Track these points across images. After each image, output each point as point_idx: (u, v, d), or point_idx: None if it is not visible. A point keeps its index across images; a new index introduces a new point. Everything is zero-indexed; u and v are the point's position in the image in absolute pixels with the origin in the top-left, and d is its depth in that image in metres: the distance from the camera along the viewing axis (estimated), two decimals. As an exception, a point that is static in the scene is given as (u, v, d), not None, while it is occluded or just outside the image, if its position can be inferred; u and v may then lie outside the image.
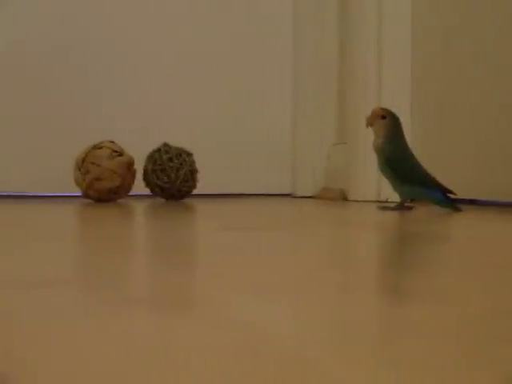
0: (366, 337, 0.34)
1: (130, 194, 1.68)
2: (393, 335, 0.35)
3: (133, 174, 1.65)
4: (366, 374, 0.28)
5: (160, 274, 0.54)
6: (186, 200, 1.71)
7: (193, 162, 1.70)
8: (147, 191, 1.72)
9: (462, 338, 0.34)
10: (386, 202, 1.61)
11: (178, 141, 1.72)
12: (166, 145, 1.69)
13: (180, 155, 1.68)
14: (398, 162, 1.30)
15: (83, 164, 1.62)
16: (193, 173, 1.70)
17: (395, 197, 1.39)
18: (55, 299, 0.44)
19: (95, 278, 0.53)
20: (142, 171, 1.69)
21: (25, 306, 0.41)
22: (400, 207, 1.31)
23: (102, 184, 1.61)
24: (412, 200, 1.39)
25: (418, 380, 0.27)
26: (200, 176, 1.72)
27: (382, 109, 1.34)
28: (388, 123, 1.29)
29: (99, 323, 0.37)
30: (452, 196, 1.28)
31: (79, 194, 1.66)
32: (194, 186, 1.71)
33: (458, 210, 1.26)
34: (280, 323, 0.37)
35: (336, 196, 1.81)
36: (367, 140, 1.41)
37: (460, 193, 1.33)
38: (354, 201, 1.71)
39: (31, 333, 0.35)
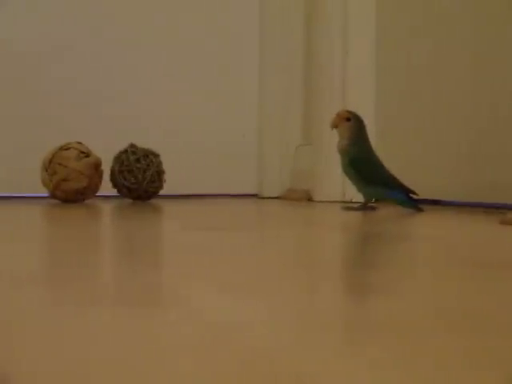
0: (334, 334, 0.36)
1: (97, 194, 1.69)
2: (359, 331, 0.37)
3: (100, 174, 1.66)
4: (337, 372, 0.29)
5: (129, 274, 0.56)
6: (153, 201, 1.72)
7: (160, 163, 1.71)
8: (114, 192, 1.73)
9: (416, 331, 0.36)
10: (351, 202, 1.63)
11: (144, 142, 1.73)
12: (132, 146, 1.70)
13: (147, 156, 1.69)
14: (362, 163, 1.32)
15: (50, 165, 1.62)
16: (160, 174, 1.70)
17: (359, 197, 1.41)
18: (24, 299, 0.45)
19: (64, 278, 0.54)
20: (109, 172, 1.70)
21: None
22: (364, 207, 1.33)
23: (69, 185, 1.61)
24: (376, 200, 1.41)
25: (388, 375, 0.29)
26: (167, 177, 1.73)
27: (347, 111, 1.36)
28: (353, 125, 1.32)
29: (65, 323, 0.38)
30: (415, 196, 1.30)
31: (46, 194, 1.66)
32: (160, 187, 1.72)
33: (420, 210, 1.28)
34: (250, 323, 0.39)
35: (301, 197, 1.83)
36: (332, 141, 1.43)
37: (423, 193, 1.35)
38: (319, 201, 1.73)
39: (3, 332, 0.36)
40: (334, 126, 1.32)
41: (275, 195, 1.99)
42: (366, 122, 1.35)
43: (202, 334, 0.35)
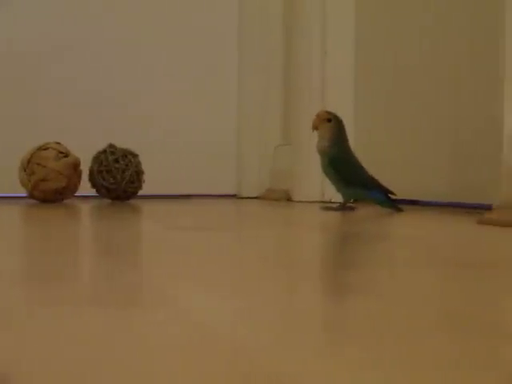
0: (314, 334, 0.36)
1: (76, 194, 1.69)
2: (338, 331, 0.37)
3: (79, 174, 1.66)
4: (316, 372, 0.29)
5: (115, 274, 0.56)
6: (132, 201, 1.72)
7: (138, 163, 1.71)
8: (93, 192, 1.73)
9: (395, 331, 0.36)
10: (330, 202, 1.63)
11: (123, 142, 1.73)
12: (111, 146, 1.70)
13: (126, 156, 1.69)
14: (342, 163, 1.33)
15: (28, 165, 1.62)
16: (138, 174, 1.70)
17: (338, 197, 1.41)
18: (2, 299, 0.45)
19: (44, 278, 0.54)
20: (88, 172, 1.69)
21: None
22: (342, 208, 1.34)
23: (48, 185, 1.61)
24: (355, 201, 1.42)
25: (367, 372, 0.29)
26: (146, 177, 1.73)
27: (326, 112, 1.36)
28: (333, 126, 1.32)
29: (51, 324, 0.38)
30: (393, 197, 1.31)
31: (24, 194, 1.66)
32: (139, 187, 1.72)
33: (399, 210, 1.29)
34: (232, 323, 0.39)
35: (280, 197, 1.83)
36: (311, 141, 1.43)
37: (402, 194, 1.36)
38: (298, 201, 1.74)
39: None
40: (315, 127, 1.33)
41: (254, 195, 2.00)
42: (345, 122, 1.36)
43: (189, 334, 0.35)
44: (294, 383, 0.27)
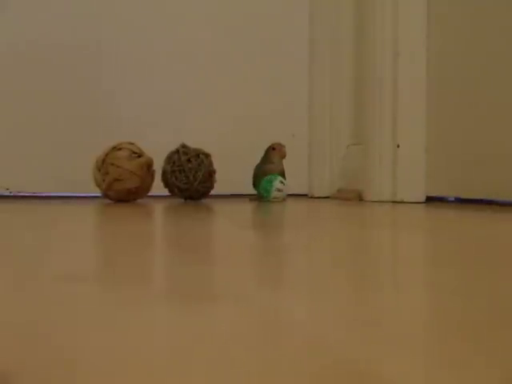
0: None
1: (149, 194, 1.71)
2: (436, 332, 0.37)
3: (152, 174, 1.68)
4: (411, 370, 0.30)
5: (184, 271, 0.57)
6: (204, 200, 1.73)
7: (211, 163, 1.72)
8: (166, 192, 1.74)
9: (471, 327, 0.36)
10: (401, 202, 1.62)
11: (195, 142, 1.75)
12: (184, 146, 1.72)
13: (198, 156, 1.70)
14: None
15: (103, 165, 1.64)
16: (211, 173, 1.72)
17: (409, 196, 1.40)
18: (82, 295, 0.46)
19: (120, 277, 0.55)
20: (161, 172, 1.71)
21: (52, 300, 0.43)
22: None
23: (122, 185, 1.63)
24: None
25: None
26: (217, 176, 1.74)
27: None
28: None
29: (127, 321, 0.39)
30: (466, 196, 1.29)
31: (99, 194, 1.69)
32: (211, 187, 1.73)
33: None
34: (308, 320, 0.39)
35: (352, 196, 1.83)
36: (382, 141, 1.42)
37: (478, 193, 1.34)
38: (369, 201, 1.73)
39: (53, 329, 0.37)
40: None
41: (326, 195, 1.99)
42: (417, 122, 1.35)
43: (267, 329, 0.35)
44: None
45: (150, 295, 0.45)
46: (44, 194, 1.92)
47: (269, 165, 1.77)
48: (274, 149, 1.78)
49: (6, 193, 1.92)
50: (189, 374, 0.27)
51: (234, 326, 0.36)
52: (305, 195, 2.05)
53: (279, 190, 1.69)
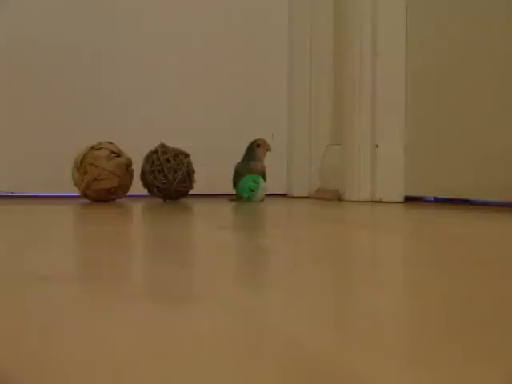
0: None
1: (128, 194, 1.70)
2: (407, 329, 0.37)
3: (131, 174, 1.67)
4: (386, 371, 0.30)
5: (162, 271, 0.56)
6: (183, 200, 1.73)
7: (190, 163, 1.72)
8: (145, 191, 1.74)
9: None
10: (380, 202, 1.62)
11: (174, 142, 1.74)
12: (163, 146, 1.71)
13: (177, 156, 1.70)
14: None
15: (81, 165, 1.64)
16: (190, 173, 1.71)
17: (388, 196, 1.40)
18: (59, 296, 0.46)
19: (99, 276, 0.55)
20: (140, 172, 1.71)
21: (31, 301, 0.43)
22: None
23: (101, 184, 1.63)
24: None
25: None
26: (196, 176, 1.74)
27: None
28: None
29: (102, 318, 0.39)
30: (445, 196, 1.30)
31: (77, 194, 1.68)
32: (190, 187, 1.73)
33: None
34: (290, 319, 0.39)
35: (331, 196, 1.83)
36: (361, 141, 1.43)
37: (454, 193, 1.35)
38: (348, 201, 1.73)
39: (35, 329, 0.37)
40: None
41: (305, 195, 2.00)
42: (396, 121, 1.36)
43: (236, 326, 0.35)
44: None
45: (127, 295, 0.45)
46: (20, 194, 1.91)
47: (256, 162, 1.74)
48: (258, 145, 1.75)
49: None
50: (163, 373, 0.27)
51: (211, 325, 0.36)
52: (284, 195, 2.05)
53: (252, 190, 1.69)
